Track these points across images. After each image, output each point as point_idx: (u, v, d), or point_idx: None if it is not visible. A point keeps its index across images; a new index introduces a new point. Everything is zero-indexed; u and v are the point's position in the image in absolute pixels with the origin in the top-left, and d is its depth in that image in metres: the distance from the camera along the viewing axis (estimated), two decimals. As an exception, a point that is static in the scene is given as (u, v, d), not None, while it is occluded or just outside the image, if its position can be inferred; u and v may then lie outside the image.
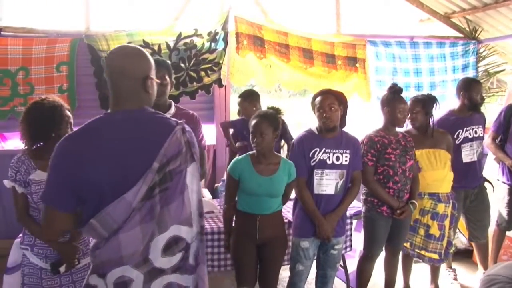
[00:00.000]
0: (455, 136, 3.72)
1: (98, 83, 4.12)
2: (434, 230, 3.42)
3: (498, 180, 4.02)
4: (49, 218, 1.64)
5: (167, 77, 2.67)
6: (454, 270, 4.12)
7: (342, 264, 3.70)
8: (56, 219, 1.63)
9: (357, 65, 4.79)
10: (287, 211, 3.38)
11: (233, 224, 2.89)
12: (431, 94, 3.54)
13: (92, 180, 1.56)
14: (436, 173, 3.42)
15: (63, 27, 4.39)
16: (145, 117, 1.69)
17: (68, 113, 2.52)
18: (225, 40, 4.28)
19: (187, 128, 1.73)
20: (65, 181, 1.58)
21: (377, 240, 3.29)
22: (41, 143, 2.48)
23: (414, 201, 3.24)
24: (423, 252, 3.48)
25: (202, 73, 4.29)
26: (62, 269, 2.45)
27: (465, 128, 3.75)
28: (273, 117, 2.74)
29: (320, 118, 2.90)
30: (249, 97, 3.84)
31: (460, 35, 5.47)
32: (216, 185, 4.31)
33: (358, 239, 3.83)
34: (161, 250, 1.63)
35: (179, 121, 1.72)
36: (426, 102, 3.43)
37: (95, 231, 1.58)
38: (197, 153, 1.76)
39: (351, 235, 3.60)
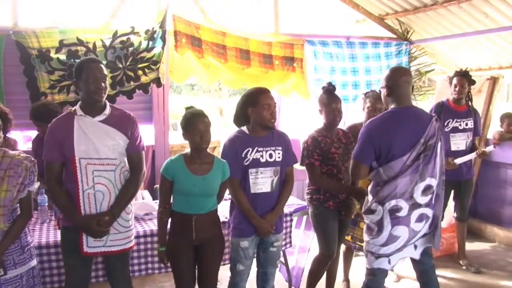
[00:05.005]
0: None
1: (28, 82, 3.92)
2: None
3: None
4: (355, 168, 2.77)
5: (106, 75, 2.62)
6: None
7: (284, 261, 3.75)
8: (360, 169, 2.75)
9: (295, 64, 4.83)
10: (224, 210, 3.38)
11: (169, 227, 2.83)
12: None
13: (389, 145, 2.64)
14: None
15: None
16: (415, 111, 2.79)
17: None
18: (163, 39, 4.21)
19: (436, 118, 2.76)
20: (370, 146, 2.69)
21: (332, 236, 3.31)
22: None
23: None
24: (363, 244, 3.59)
25: (140, 72, 4.19)
26: None
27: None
28: None
29: (267, 116, 2.88)
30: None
31: (394, 36, 5.68)
32: (155, 186, 4.24)
33: (297, 236, 3.90)
34: (421, 192, 2.69)
35: (433, 114, 2.84)
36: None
37: (379, 176, 2.71)
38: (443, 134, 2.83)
39: (290, 232, 3.66)
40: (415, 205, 2.69)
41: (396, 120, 2.70)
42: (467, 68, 4.50)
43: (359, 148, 2.74)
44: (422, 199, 2.70)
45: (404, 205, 2.67)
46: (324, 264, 3.40)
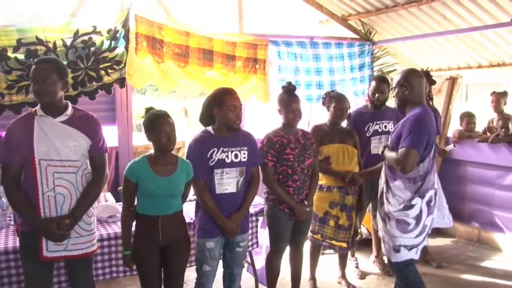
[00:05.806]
0: (365, 129, 4.00)
1: (-16, 84, 3.77)
2: (343, 221, 3.61)
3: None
4: (410, 157, 2.77)
5: (54, 75, 2.50)
6: (356, 259, 4.36)
7: (250, 261, 3.75)
8: (415, 157, 2.78)
9: (257, 66, 4.79)
10: (190, 211, 3.35)
11: (133, 229, 2.79)
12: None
13: (433, 136, 2.90)
14: (344, 167, 3.60)
15: None
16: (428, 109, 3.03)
17: None
18: (126, 38, 4.13)
19: None
20: (424, 134, 2.82)
21: (282, 236, 3.37)
22: None
23: (305, 201, 3.33)
24: (333, 242, 3.65)
25: (102, 72, 4.08)
26: None
27: (375, 122, 4.03)
28: None
29: (233, 117, 2.88)
30: None
31: (357, 36, 5.76)
32: (119, 188, 4.16)
33: (264, 236, 3.90)
34: (435, 182, 2.98)
35: None
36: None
37: (418, 171, 2.86)
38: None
39: (257, 232, 3.66)
40: (435, 194, 2.99)
41: (430, 115, 2.95)
42: (427, 68, 4.62)
43: (413, 137, 2.80)
44: (437, 187, 3.03)
45: (434, 194, 2.96)
46: (273, 260, 3.45)
